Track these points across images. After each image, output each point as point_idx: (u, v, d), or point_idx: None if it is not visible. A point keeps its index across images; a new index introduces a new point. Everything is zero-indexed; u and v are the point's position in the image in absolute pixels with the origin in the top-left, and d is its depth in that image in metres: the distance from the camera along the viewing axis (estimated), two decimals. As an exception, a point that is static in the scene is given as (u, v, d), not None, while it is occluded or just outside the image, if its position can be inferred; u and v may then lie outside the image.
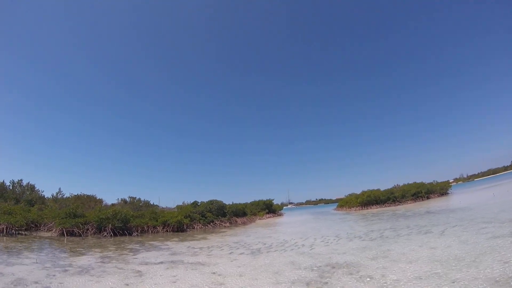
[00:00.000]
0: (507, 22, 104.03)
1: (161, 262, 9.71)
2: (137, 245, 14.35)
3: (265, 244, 13.38)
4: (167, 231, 21.49)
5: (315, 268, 7.68)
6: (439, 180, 49.72)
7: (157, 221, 21.90)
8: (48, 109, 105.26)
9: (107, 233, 17.99)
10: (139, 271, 8.22)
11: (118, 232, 18.54)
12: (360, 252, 9.32)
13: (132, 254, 11.63)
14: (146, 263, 9.55)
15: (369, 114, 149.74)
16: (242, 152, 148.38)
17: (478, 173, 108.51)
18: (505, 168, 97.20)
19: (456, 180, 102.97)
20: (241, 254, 10.95)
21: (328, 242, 12.26)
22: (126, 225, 19.46)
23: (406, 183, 45.09)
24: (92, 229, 18.37)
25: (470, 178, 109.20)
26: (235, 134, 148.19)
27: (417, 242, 9.90)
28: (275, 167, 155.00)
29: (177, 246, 13.95)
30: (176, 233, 21.23)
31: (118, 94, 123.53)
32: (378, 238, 11.85)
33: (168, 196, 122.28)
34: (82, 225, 18.01)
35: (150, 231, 21.04)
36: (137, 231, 19.98)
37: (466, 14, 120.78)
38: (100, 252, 11.90)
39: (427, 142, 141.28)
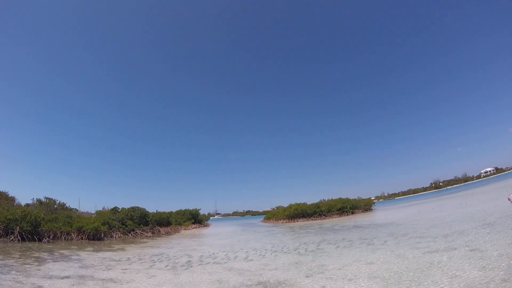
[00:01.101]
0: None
1: (68, 277, 9.20)
2: (45, 254, 13.56)
3: (189, 257, 12.91)
4: (82, 238, 20.37)
5: (245, 288, 7.25)
6: (363, 197, 54.56)
7: (71, 226, 20.63)
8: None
9: (15, 237, 16.48)
10: (39, 287, 7.86)
11: (27, 236, 17.13)
12: (293, 268, 8.96)
13: (36, 264, 11.03)
14: (50, 277, 9.04)
15: (297, 129, 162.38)
16: (168, 157, 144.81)
17: (399, 192, 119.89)
18: (424, 189, 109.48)
19: (377, 197, 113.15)
20: (161, 269, 10.36)
21: (258, 257, 11.92)
22: (37, 229, 18.08)
23: (331, 198, 47.33)
24: (-3, 231, 16.67)
25: (391, 196, 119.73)
26: (163, 137, 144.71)
27: (351, 256, 9.75)
28: (203, 175, 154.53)
29: (90, 257, 13.45)
30: (92, 241, 20.27)
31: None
32: (310, 252, 11.70)
33: (89, 199, 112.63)
34: (-17, 225, 16.28)
35: (63, 238, 19.77)
36: (48, 237, 18.65)
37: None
38: (0, 260, 11.01)
39: (351, 160, 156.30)
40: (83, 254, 14.45)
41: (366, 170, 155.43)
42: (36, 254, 13.15)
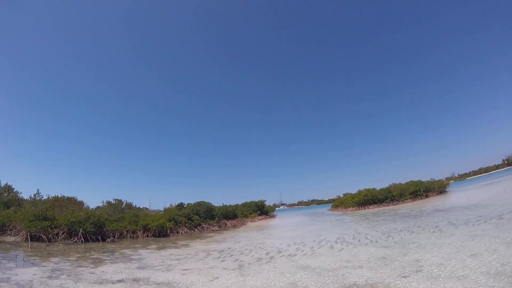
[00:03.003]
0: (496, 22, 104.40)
1: (121, 280, 7.81)
2: (105, 254, 12.48)
3: (257, 253, 11.25)
4: (147, 236, 19.63)
5: (328, 295, 5.47)
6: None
7: (137, 225, 20.01)
8: (31, 109, 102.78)
9: (78, 239, 16.07)
10: (83, 296, 6.36)
11: (91, 237, 16.63)
12: (381, 265, 7.26)
13: (92, 266, 9.73)
14: (101, 282, 7.65)
15: (360, 116, 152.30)
16: (233, 154, 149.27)
17: (470, 172, 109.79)
18: (497, 167, 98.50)
19: (448, 179, 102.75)
20: (225, 268, 8.84)
21: (334, 250, 10.21)
22: (101, 229, 17.55)
23: (400, 182, 43.82)
24: (62, 233, 16.49)
25: (462, 177, 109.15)
26: (227, 136, 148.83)
27: (448, 247, 8.00)
28: (266, 168, 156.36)
29: (151, 256, 12.08)
30: (158, 238, 19.40)
31: (108, 95, 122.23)
32: (396, 244, 9.87)
33: (159, 198, 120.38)
34: (50, 229, 16.10)
35: (129, 236, 19.20)
36: (113, 236, 18.11)
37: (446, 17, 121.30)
38: (55, 263, 10.03)
39: (418, 143, 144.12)
40: (144, 252, 13.21)
41: (432, 151, 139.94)
42: (96, 255, 12.10)
